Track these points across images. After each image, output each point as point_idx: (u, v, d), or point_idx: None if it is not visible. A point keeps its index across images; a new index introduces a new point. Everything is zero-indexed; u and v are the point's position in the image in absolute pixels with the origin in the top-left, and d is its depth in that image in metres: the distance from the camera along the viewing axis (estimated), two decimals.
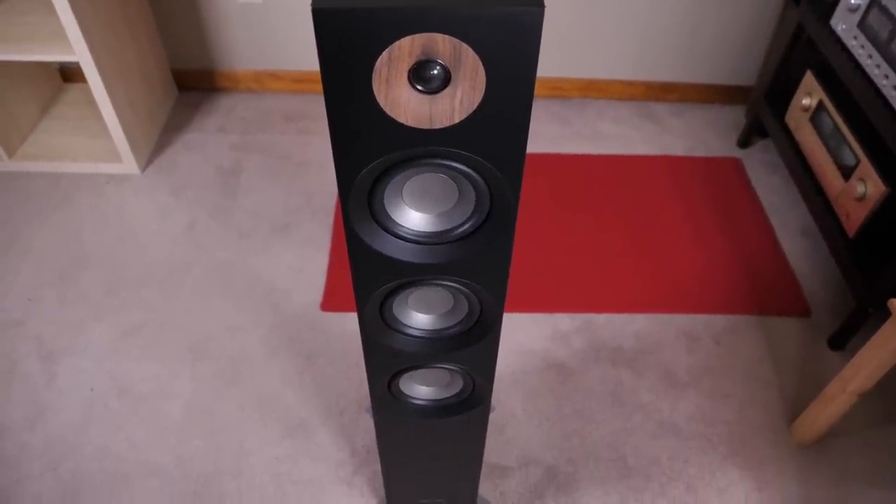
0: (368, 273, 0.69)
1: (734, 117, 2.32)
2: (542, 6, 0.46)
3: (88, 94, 2.20)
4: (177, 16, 2.11)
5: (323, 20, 0.46)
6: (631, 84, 2.32)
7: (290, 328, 1.63)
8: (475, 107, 0.53)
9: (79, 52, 1.71)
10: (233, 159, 2.06)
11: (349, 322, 1.64)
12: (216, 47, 2.19)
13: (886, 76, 1.44)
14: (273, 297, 1.69)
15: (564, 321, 1.67)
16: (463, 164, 0.58)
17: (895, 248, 1.55)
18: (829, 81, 1.76)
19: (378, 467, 1.38)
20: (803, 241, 1.90)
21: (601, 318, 1.69)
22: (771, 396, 1.54)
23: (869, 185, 1.51)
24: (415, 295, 0.76)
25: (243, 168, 2.03)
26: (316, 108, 2.25)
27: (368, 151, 0.56)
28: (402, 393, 0.93)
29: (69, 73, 2.24)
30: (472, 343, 0.80)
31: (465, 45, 0.48)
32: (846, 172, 1.61)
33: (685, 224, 1.93)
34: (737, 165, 2.14)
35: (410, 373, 0.88)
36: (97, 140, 2.04)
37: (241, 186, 1.98)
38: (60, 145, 2.03)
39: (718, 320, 1.69)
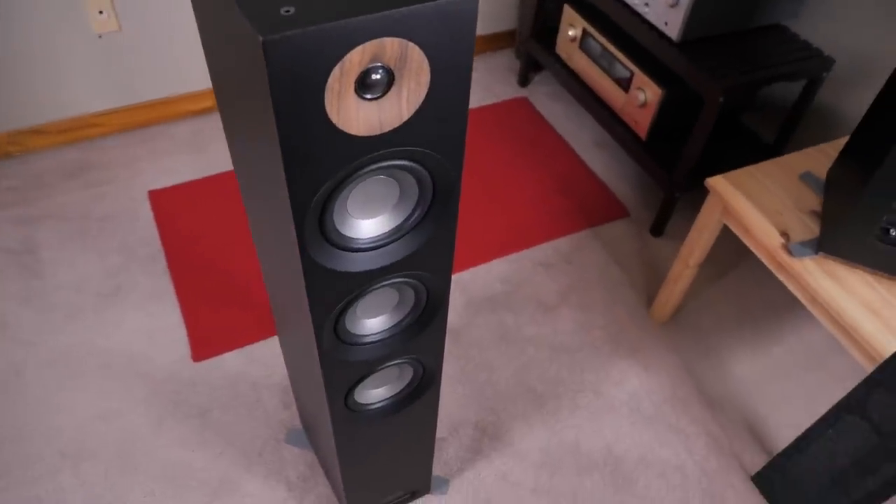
0: (326, 295, 0.68)
1: (507, 61, 2.51)
2: None
3: None
4: None
5: (274, 50, 0.44)
6: None
7: (167, 392, 1.49)
8: (421, 102, 0.54)
9: None
10: (21, 237, 1.78)
11: (228, 363, 1.54)
12: None
13: None
14: (135, 367, 1.53)
15: None
16: (411, 160, 0.59)
17: (682, 138, 1.82)
18: (587, 10, 1.98)
19: (322, 489, 1.34)
20: (602, 153, 2.15)
21: (466, 275, 1.77)
22: (626, 292, 1.76)
23: (647, 92, 1.75)
24: (362, 303, 0.76)
25: (39, 243, 1.77)
26: (98, 155, 2.02)
27: (323, 171, 0.55)
28: (358, 403, 0.92)
29: None
30: (424, 328, 0.82)
31: (411, 44, 0.49)
32: (624, 85, 1.85)
33: (503, 168, 2.08)
34: (525, 103, 2.34)
35: (364, 381, 0.88)
36: None
37: (44, 263, 1.73)
38: None
39: (562, 243, 1.87)
